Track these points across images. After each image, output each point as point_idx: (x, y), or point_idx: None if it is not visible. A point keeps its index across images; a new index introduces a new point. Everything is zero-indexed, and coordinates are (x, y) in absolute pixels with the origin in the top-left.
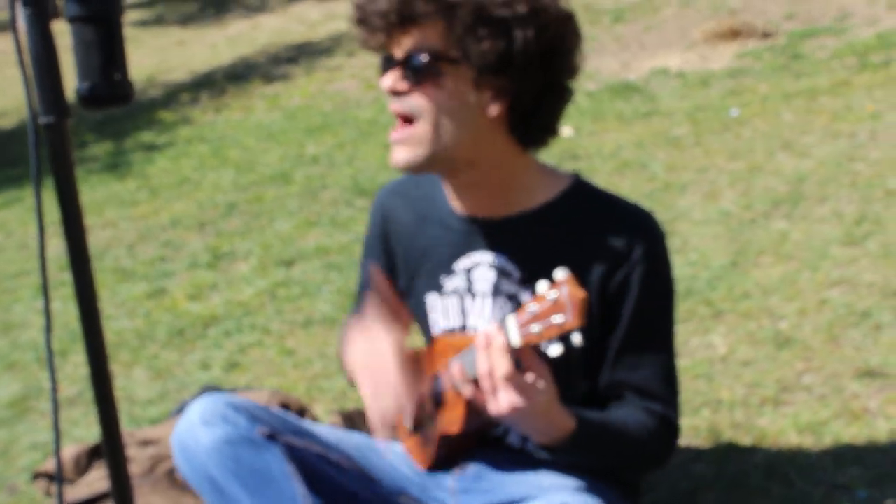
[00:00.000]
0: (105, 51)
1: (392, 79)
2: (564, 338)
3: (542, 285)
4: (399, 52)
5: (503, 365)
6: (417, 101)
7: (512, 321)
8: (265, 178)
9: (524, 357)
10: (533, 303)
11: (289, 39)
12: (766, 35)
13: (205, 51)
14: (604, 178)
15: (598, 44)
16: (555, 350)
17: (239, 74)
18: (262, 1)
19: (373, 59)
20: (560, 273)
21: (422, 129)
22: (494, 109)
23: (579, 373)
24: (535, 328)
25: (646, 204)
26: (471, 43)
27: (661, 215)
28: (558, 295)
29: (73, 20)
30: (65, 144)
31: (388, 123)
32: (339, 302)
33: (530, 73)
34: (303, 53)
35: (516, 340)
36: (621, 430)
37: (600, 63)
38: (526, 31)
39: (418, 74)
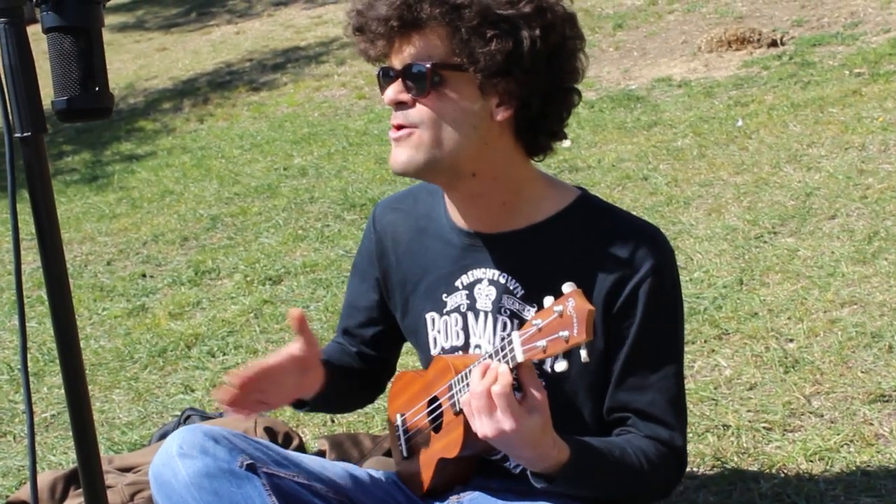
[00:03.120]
0: (84, 62)
1: (394, 90)
2: (570, 353)
3: (548, 300)
4: (399, 62)
5: (498, 384)
6: (421, 113)
7: (516, 337)
8: (250, 191)
9: (524, 377)
10: (538, 318)
11: (275, 45)
12: (773, 43)
13: (187, 57)
14: (604, 192)
15: (598, 51)
16: (560, 366)
17: (223, 82)
18: (248, 5)
19: (363, 67)
20: (567, 286)
21: (423, 136)
22: (501, 115)
23: (584, 392)
24: (541, 343)
25: (648, 219)
26: (477, 45)
27: (665, 230)
28: (564, 309)
29: (50, 31)
30: (41, 158)
31: (380, 134)
32: (327, 320)
33: (537, 75)
34: (290, 60)
35: (519, 356)
36: (621, 462)
37: (600, 71)
38: (532, 31)
39: (421, 85)
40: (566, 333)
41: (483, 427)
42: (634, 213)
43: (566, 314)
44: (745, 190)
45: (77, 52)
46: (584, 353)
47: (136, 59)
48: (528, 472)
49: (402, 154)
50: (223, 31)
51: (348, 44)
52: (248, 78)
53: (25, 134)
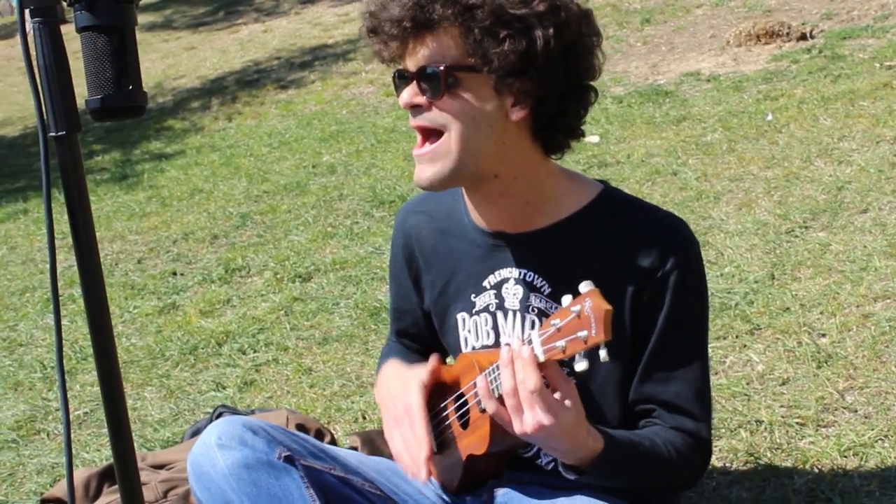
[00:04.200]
0: (118, 61)
1: (409, 93)
2: (591, 353)
3: (566, 299)
4: (413, 64)
5: (530, 380)
6: (438, 115)
7: (535, 337)
8: (279, 188)
9: (549, 374)
10: (556, 317)
11: (302, 43)
12: (802, 36)
13: (215, 55)
14: (633, 187)
15: (626, 45)
16: (581, 366)
17: (251, 80)
18: (275, 3)
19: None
20: (585, 285)
21: (445, 143)
22: (517, 114)
23: (614, 389)
24: (560, 343)
25: (678, 214)
26: (490, 45)
27: (694, 226)
28: (582, 308)
29: (84, 30)
30: (76, 157)
31: (408, 130)
32: (357, 317)
33: (552, 74)
34: (317, 58)
35: (540, 356)
36: (651, 452)
37: (628, 66)
38: (546, 30)
39: (436, 87)
40: (584, 334)
41: (523, 425)
42: (664, 208)
43: (584, 314)
44: (775, 184)
45: (110, 51)
46: (603, 353)
47: (164, 59)
48: (560, 464)
49: (427, 170)
50: (251, 29)
51: None
52: (276, 76)
53: (60, 133)
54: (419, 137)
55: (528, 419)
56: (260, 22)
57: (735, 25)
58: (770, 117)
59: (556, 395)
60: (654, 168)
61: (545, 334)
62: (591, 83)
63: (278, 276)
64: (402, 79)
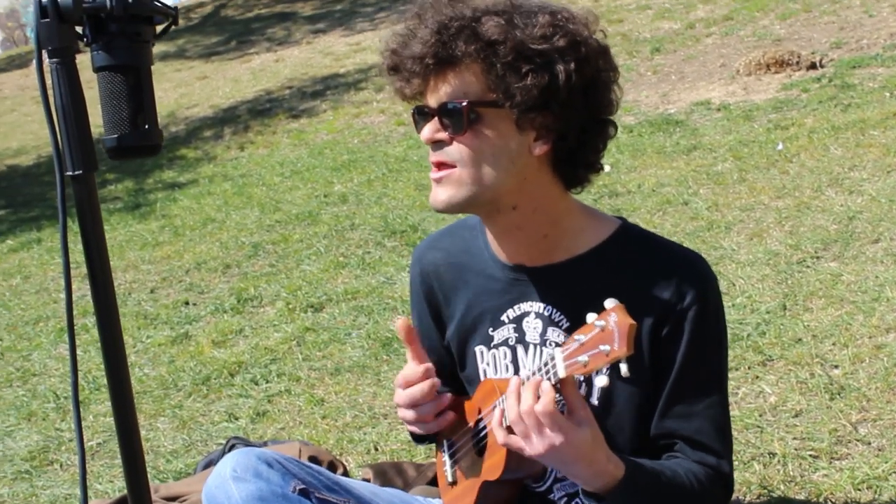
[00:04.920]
0: (134, 101)
1: (431, 129)
2: (612, 369)
3: (590, 315)
4: (435, 100)
5: (537, 403)
6: (459, 150)
7: (558, 353)
8: (291, 218)
9: (566, 393)
10: (580, 333)
11: (314, 73)
12: (812, 65)
13: (227, 85)
14: (644, 217)
15: (636, 75)
16: (601, 381)
17: (263, 109)
18: (287, 33)
19: None
20: (609, 302)
21: (464, 174)
22: (539, 149)
23: (631, 420)
24: (582, 358)
25: (689, 244)
26: (513, 80)
27: (706, 256)
28: (606, 324)
29: (101, 70)
30: (92, 196)
31: (419, 160)
32: (369, 347)
33: (574, 108)
34: (329, 87)
35: (561, 372)
36: (673, 482)
37: (639, 95)
38: (567, 64)
39: (458, 123)
40: (607, 348)
41: (534, 446)
42: (675, 238)
43: (608, 329)
44: (786, 214)
45: (127, 91)
46: (624, 368)
47: (177, 88)
48: (580, 493)
49: (443, 193)
50: (263, 59)
51: None
52: (288, 105)
53: (77, 172)
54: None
55: (537, 442)
56: (272, 51)
57: (745, 54)
58: (780, 147)
59: (571, 417)
60: (665, 198)
61: (568, 350)
62: (611, 118)
63: (290, 305)
64: (422, 115)
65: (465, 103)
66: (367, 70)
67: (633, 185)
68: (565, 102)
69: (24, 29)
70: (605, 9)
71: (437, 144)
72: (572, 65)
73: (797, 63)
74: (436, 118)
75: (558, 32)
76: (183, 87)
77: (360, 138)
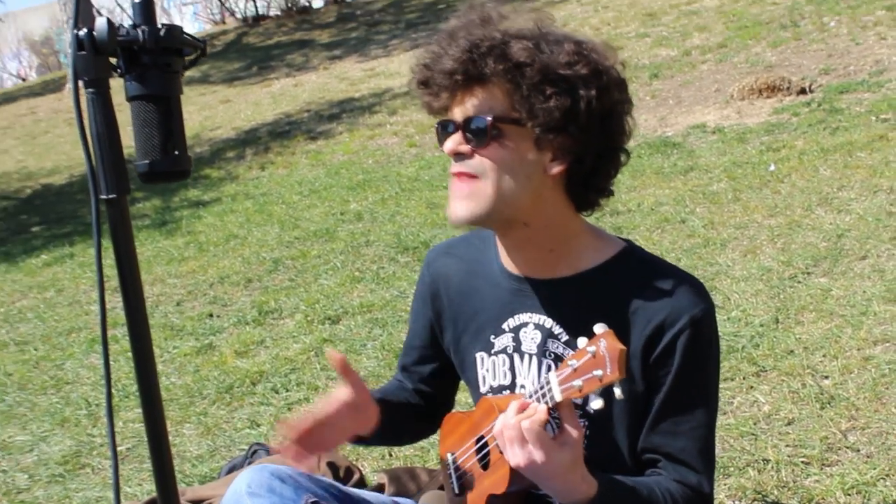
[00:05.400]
0: (165, 128)
1: (454, 142)
2: (606, 392)
3: (581, 340)
4: (460, 114)
5: (519, 416)
6: (481, 163)
7: (553, 377)
8: (309, 235)
9: (562, 414)
10: (573, 358)
11: (331, 97)
12: (802, 90)
13: (249, 108)
14: (644, 234)
15: (635, 99)
16: (597, 404)
17: (282, 131)
18: (305, 59)
19: (414, 117)
20: (599, 327)
21: (483, 186)
22: (555, 169)
23: (623, 435)
24: (577, 383)
25: (686, 260)
26: (537, 101)
27: (702, 271)
28: (597, 349)
29: (133, 99)
30: (125, 218)
31: (430, 180)
32: (383, 358)
33: (591, 133)
34: (345, 110)
35: (558, 396)
36: (647, 500)
37: (638, 119)
38: (589, 91)
39: (482, 137)
40: (600, 373)
41: (515, 457)
42: (673, 255)
43: (599, 354)
44: (778, 232)
45: (158, 119)
46: (618, 391)
47: (201, 111)
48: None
49: (462, 207)
50: (282, 83)
51: (399, 94)
52: (306, 127)
53: (111, 196)
54: (456, 176)
55: (521, 452)
56: (291, 77)
57: (738, 80)
58: (773, 168)
59: (558, 438)
60: (663, 216)
61: (562, 374)
62: (624, 146)
63: (309, 318)
64: (446, 128)
65: (489, 118)
66: (381, 94)
67: (633, 203)
68: (584, 127)
69: (57, 55)
70: (606, 36)
71: (460, 156)
72: (593, 91)
73: (788, 88)
74: (460, 131)
75: (582, 60)
76: (207, 111)
77: (374, 159)
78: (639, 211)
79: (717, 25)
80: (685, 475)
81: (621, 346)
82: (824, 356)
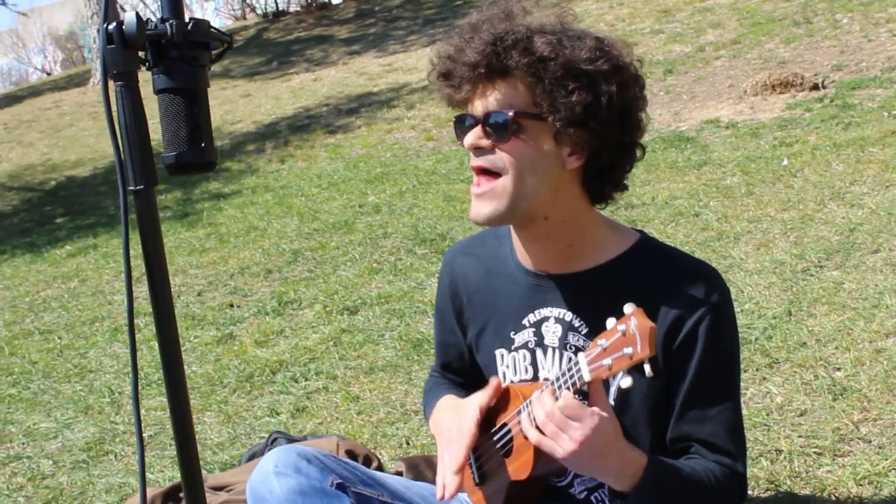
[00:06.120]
0: (191, 121)
1: (475, 136)
2: (634, 371)
3: (610, 321)
4: (481, 108)
5: (552, 402)
6: (501, 157)
7: (582, 357)
8: (328, 227)
9: (592, 393)
10: (602, 338)
11: (349, 91)
12: (815, 86)
13: (269, 102)
14: (658, 227)
15: (650, 94)
16: (626, 382)
17: (302, 125)
18: (324, 54)
19: (431, 111)
20: (629, 306)
21: (504, 182)
22: (573, 164)
23: (644, 423)
24: (606, 362)
25: (700, 253)
26: (559, 96)
27: (716, 264)
28: (627, 327)
29: (161, 92)
30: (152, 209)
31: (447, 173)
32: (401, 349)
33: (610, 129)
34: (363, 105)
35: (586, 375)
36: (692, 476)
37: (652, 113)
38: (610, 86)
39: (502, 131)
40: (630, 350)
41: (565, 444)
42: (687, 247)
43: (629, 332)
44: (791, 226)
45: (185, 112)
46: (647, 368)
47: (222, 105)
48: (608, 493)
49: (485, 207)
50: (302, 78)
51: (417, 89)
52: (325, 121)
53: (139, 187)
54: (476, 177)
55: (568, 439)
56: (310, 71)
57: (752, 76)
58: (785, 162)
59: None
60: (677, 210)
61: (591, 354)
62: (640, 141)
63: (327, 308)
64: (466, 122)
65: (511, 113)
66: (398, 89)
67: (648, 197)
68: (604, 122)
69: (82, 50)
70: (620, 33)
71: (479, 150)
72: (614, 87)
73: (801, 84)
74: (480, 125)
75: (604, 56)
76: (228, 105)
77: (392, 152)
78: (653, 204)
79: (731, 22)
80: (719, 458)
81: (651, 324)
82: (836, 348)
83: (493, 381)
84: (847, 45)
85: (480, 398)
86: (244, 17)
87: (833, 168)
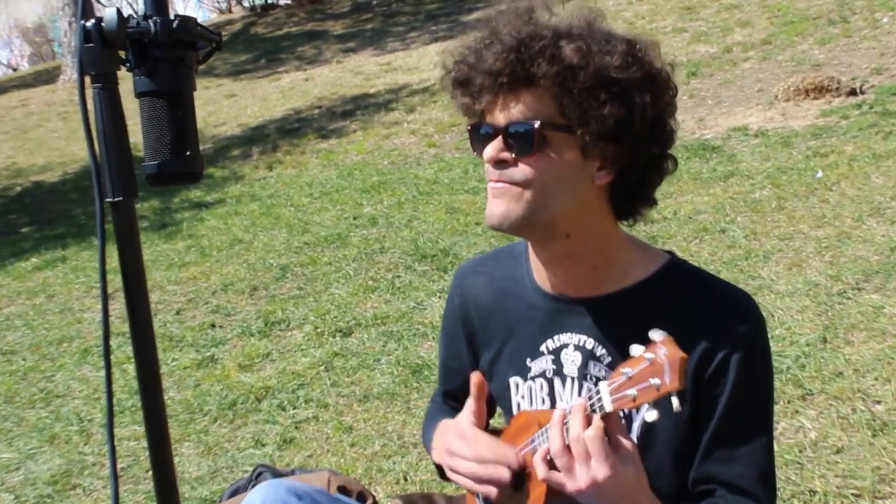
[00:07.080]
0: (176, 127)
1: (495, 149)
2: (660, 403)
3: (636, 348)
4: (503, 119)
5: (581, 427)
6: (524, 171)
7: (604, 386)
8: (320, 240)
9: (610, 428)
10: (627, 366)
11: (344, 92)
12: (852, 91)
13: (256, 103)
14: (681, 244)
15: None
16: (651, 416)
17: (292, 129)
18: (317, 52)
19: (433, 115)
20: (658, 334)
21: (526, 195)
22: (602, 179)
23: (669, 461)
24: (631, 392)
25: (726, 273)
26: (589, 107)
27: (743, 286)
28: (655, 356)
29: (143, 95)
30: (131, 223)
31: (450, 183)
32: (398, 374)
33: (643, 141)
34: (359, 107)
35: (608, 406)
36: None
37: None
38: (644, 97)
39: (526, 144)
40: (657, 381)
41: (577, 481)
42: (712, 267)
43: (658, 361)
44: (826, 244)
45: (169, 117)
46: (675, 402)
47: (204, 106)
48: None
49: (500, 206)
50: (292, 77)
51: (418, 91)
52: (317, 125)
53: (117, 199)
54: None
55: (581, 475)
56: (301, 70)
57: (783, 80)
58: (820, 174)
59: (617, 452)
60: (702, 225)
61: (615, 383)
62: (670, 152)
63: (318, 330)
64: (484, 132)
65: (536, 125)
66: (397, 90)
67: (669, 211)
68: (637, 136)
69: (51, 44)
70: (640, 31)
71: (500, 164)
72: (648, 98)
73: (837, 89)
74: (500, 137)
75: (636, 63)
76: (211, 105)
77: (390, 160)
78: (675, 219)
79: (761, 20)
80: (744, 503)
81: (682, 354)
82: (876, 379)
83: (474, 378)
84: (888, 47)
85: (468, 405)
86: (230, 11)
87: (872, 181)
